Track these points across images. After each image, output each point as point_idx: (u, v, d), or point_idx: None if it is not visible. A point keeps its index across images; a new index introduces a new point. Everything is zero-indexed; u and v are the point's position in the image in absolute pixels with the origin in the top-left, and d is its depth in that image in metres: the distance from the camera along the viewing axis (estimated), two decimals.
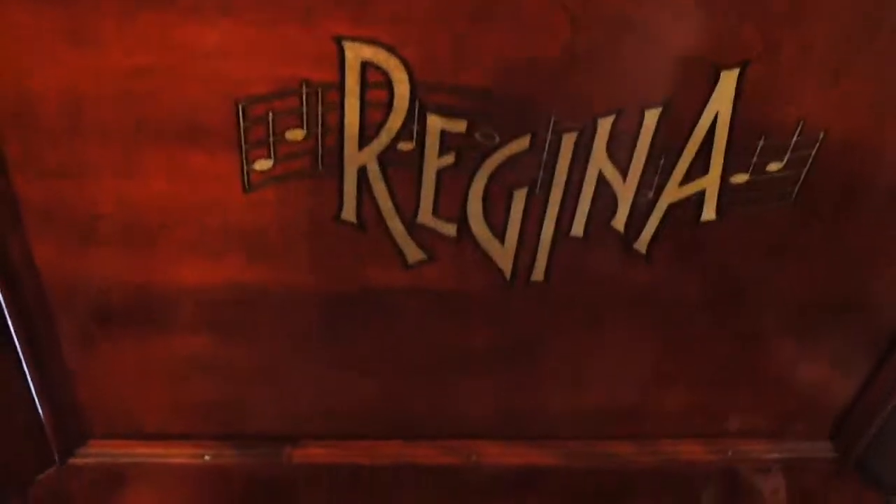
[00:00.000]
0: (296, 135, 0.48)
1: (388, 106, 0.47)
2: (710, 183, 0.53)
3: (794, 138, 0.51)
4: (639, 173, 0.52)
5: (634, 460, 0.68)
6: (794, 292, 0.60)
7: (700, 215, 0.55)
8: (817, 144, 0.51)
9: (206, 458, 0.63)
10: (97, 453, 0.62)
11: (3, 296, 0.53)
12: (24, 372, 0.57)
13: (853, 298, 0.61)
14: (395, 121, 0.48)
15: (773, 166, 0.52)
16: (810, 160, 0.52)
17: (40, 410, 0.59)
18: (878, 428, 0.70)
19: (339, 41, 0.45)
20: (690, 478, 0.71)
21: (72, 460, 0.62)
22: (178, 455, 0.63)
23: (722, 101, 0.49)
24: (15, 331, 0.55)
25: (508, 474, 0.67)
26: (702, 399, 0.66)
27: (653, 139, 0.50)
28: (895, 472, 0.73)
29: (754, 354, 0.64)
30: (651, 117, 0.49)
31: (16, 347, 0.56)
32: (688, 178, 0.52)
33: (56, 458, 0.62)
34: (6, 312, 0.54)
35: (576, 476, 0.68)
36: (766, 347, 0.63)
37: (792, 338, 0.63)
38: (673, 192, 0.53)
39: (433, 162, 0.50)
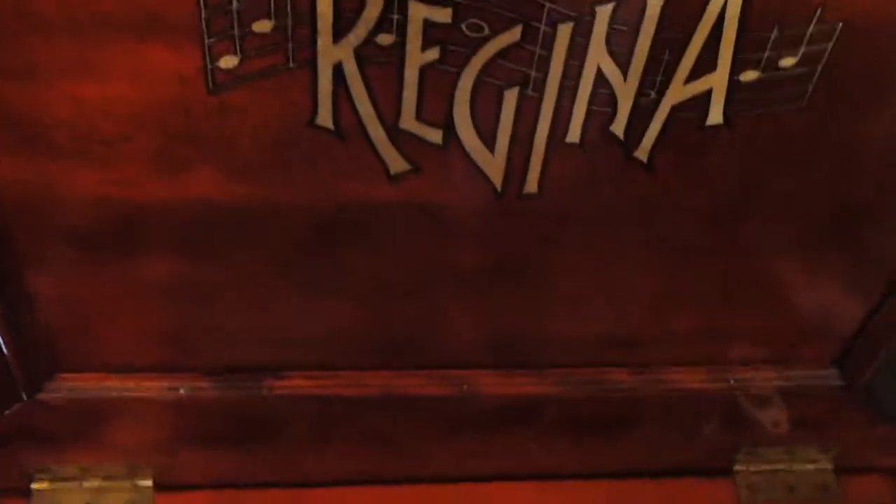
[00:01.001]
0: (263, 26, 0.44)
1: None
2: (717, 81, 0.49)
3: (811, 28, 0.47)
4: (640, 70, 0.47)
5: (635, 388, 0.65)
6: (804, 205, 0.56)
7: (706, 119, 0.51)
8: (835, 36, 0.47)
9: (182, 391, 0.60)
10: (66, 388, 0.59)
11: None
12: None
13: (866, 211, 0.57)
14: (373, 8, 0.43)
15: (787, 62, 0.48)
16: (826, 55, 0.48)
17: (2, 343, 0.55)
18: (886, 353, 0.67)
19: None
20: (693, 407, 0.68)
21: (40, 395, 0.58)
22: (152, 388, 0.59)
23: None
24: None
25: (504, 405, 0.64)
26: (705, 324, 0.63)
27: (656, 30, 0.46)
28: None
29: (760, 275, 0.60)
30: (654, 5, 0.45)
31: None
32: (693, 75, 0.48)
33: (22, 393, 0.58)
34: None
35: (574, 406, 0.65)
36: (772, 267, 0.60)
37: (800, 256, 0.60)
38: (677, 92, 0.49)
39: (416, 57, 0.46)
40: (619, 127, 0.50)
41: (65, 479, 0.63)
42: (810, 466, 0.73)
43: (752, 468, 0.73)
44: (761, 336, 0.64)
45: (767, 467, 0.73)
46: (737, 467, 0.72)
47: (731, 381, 0.66)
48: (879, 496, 0.74)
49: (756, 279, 0.60)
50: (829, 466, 0.73)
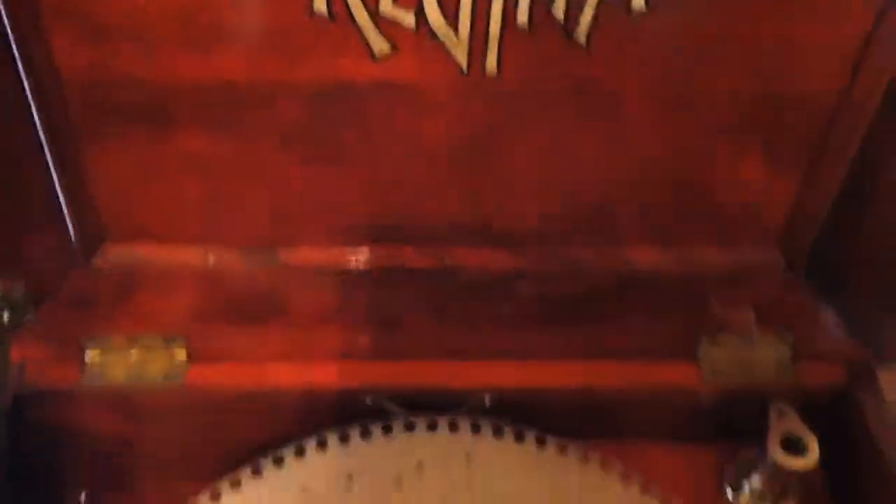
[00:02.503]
0: None
1: None
2: None
3: None
4: None
5: (596, 267, 0.74)
6: (727, 90, 0.66)
7: (630, 4, 0.62)
8: None
9: (210, 261, 0.71)
10: (113, 256, 0.71)
11: (32, 94, 0.62)
12: (51, 171, 0.65)
13: (781, 88, 0.67)
14: None
15: None
16: None
17: (65, 211, 0.67)
18: (820, 231, 0.75)
19: None
20: (655, 289, 0.77)
21: (93, 262, 0.70)
22: (185, 258, 0.71)
23: None
24: (41, 128, 0.63)
25: (480, 281, 0.74)
26: (657, 203, 0.72)
27: None
28: (839, 278, 0.78)
29: (696, 155, 0.70)
30: None
31: (42, 146, 0.64)
32: None
33: (79, 259, 0.70)
34: (34, 110, 0.63)
35: (544, 284, 0.75)
36: (705, 146, 0.70)
37: (729, 135, 0.69)
38: None
39: None
40: (559, 10, 0.62)
41: (112, 349, 0.74)
42: (769, 352, 0.81)
43: (714, 353, 0.81)
44: (704, 218, 0.74)
45: (729, 352, 0.81)
46: (700, 352, 0.81)
47: (687, 262, 0.76)
48: (833, 382, 0.82)
49: (693, 159, 0.70)
50: (787, 352, 0.81)
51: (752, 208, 0.74)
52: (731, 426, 0.84)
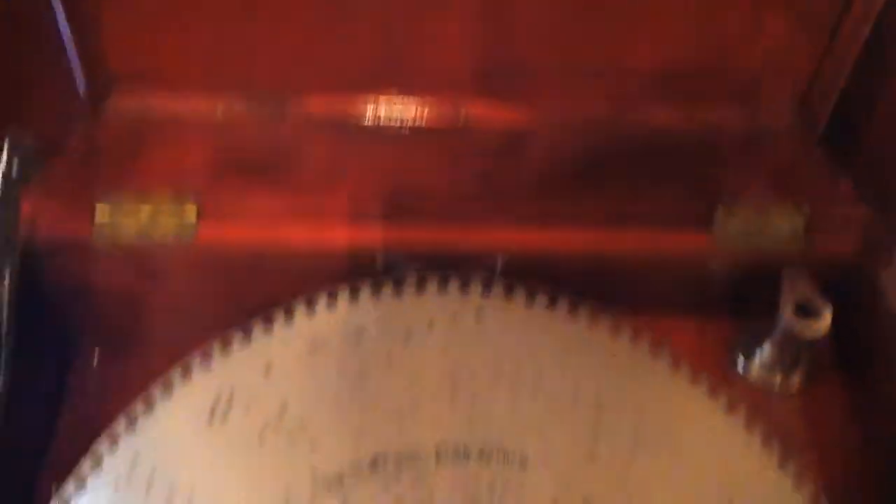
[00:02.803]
0: None
1: None
2: None
3: None
4: None
5: (610, 122, 0.73)
6: None
7: None
8: None
9: (219, 113, 0.70)
10: (123, 105, 0.70)
11: None
12: (57, 17, 0.64)
13: None
14: None
15: None
16: None
17: (73, 59, 0.67)
18: (841, 99, 0.74)
19: None
20: (670, 151, 0.75)
21: (102, 113, 0.70)
22: (195, 107, 0.70)
23: None
24: None
25: (496, 140, 0.73)
26: (668, 56, 0.71)
27: None
28: (859, 151, 0.77)
29: (715, 12, 0.68)
30: None
31: None
32: None
33: (88, 110, 0.69)
34: None
35: (560, 140, 0.74)
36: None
37: None
38: None
39: None
40: None
41: (122, 207, 0.74)
42: (783, 221, 0.80)
43: (728, 223, 0.80)
44: (727, 74, 0.72)
45: (743, 222, 0.80)
46: (714, 221, 0.80)
47: (703, 122, 0.74)
48: (848, 253, 0.81)
49: (713, 12, 0.68)
50: (801, 221, 0.80)
51: (773, 67, 0.72)
52: (744, 301, 0.83)
